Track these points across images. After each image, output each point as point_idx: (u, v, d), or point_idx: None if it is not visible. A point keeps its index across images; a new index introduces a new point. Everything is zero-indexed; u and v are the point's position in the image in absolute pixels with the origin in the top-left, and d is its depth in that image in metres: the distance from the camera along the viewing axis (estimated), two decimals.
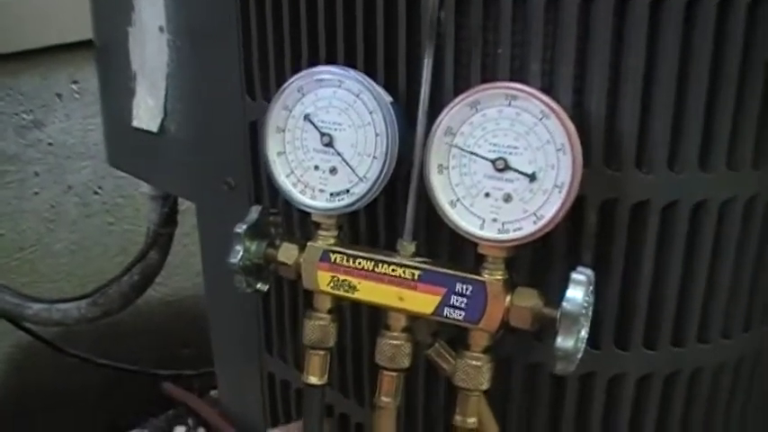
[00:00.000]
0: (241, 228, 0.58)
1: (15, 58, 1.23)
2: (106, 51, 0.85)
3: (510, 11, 0.49)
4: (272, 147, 0.56)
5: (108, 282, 1.03)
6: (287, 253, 0.57)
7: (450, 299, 0.51)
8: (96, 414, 1.44)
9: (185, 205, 0.94)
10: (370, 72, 0.54)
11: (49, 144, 1.31)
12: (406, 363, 0.54)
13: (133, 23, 0.77)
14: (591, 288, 0.48)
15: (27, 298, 1.09)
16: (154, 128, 0.77)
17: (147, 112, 0.78)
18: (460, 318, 0.51)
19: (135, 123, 0.80)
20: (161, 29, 0.74)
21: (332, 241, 0.56)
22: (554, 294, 0.49)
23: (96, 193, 1.36)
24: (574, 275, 0.48)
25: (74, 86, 1.30)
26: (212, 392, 1.17)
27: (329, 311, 0.57)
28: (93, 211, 1.37)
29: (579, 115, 0.48)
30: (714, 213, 0.50)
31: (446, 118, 0.50)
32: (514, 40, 0.49)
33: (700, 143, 0.49)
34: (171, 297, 1.44)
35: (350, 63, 0.56)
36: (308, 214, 0.56)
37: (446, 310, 0.51)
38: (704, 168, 0.49)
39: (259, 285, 0.60)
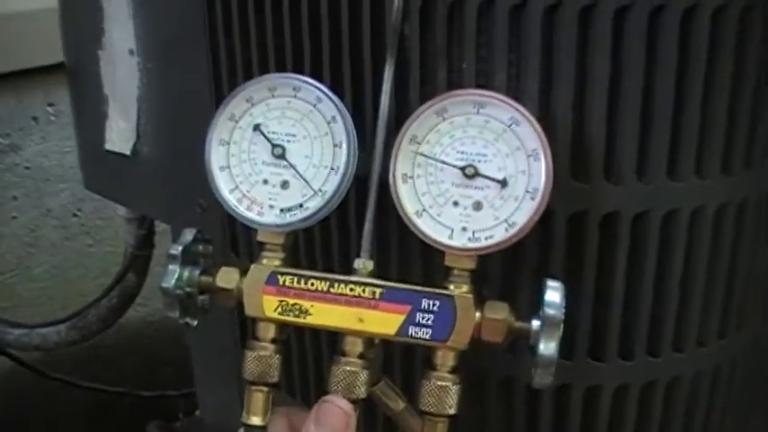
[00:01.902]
0: (176, 249, 0.52)
1: None
2: (78, 75, 0.85)
3: (474, 24, 0.48)
4: (215, 160, 0.53)
5: (87, 305, 1.02)
6: (226, 277, 0.52)
7: (415, 317, 0.49)
8: None
9: (162, 227, 0.94)
10: (336, 87, 0.53)
11: (26, 168, 1.30)
12: (363, 392, 0.50)
13: (103, 47, 0.77)
14: (564, 297, 0.47)
15: (7, 323, 1.08)
16: (127, 150, 0.77)
17: (119, 135, 0.77)
18: (427, 336, 0.48)
19: (108, 146, 0.79)
20: (131, 52, 0.73)
21: (278, 262, 0.52)
22: (523, 312, 0.49)
23: (75, 215, 1.36)
24: (548, 282, 0.47)
25: (50, 109, 1.30)
26: (197, 412, 1.16)
27: (273, 341, 0.52)
28: (73, 233, 1.37)
29: (545, 128, 0.48)
30: (685, 222, 0.50)
31: (412, 126, 0.49)
32: (479, 54, 0.49)
33: (668, 152, 0.49)
34: (152, 317, 1.43)
35: (317, 78, 0.55)
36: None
37: (411, 330, 0.49)
38: (673, 177, 0.49)
39: (188, 319, 0.54)
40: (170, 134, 0.73)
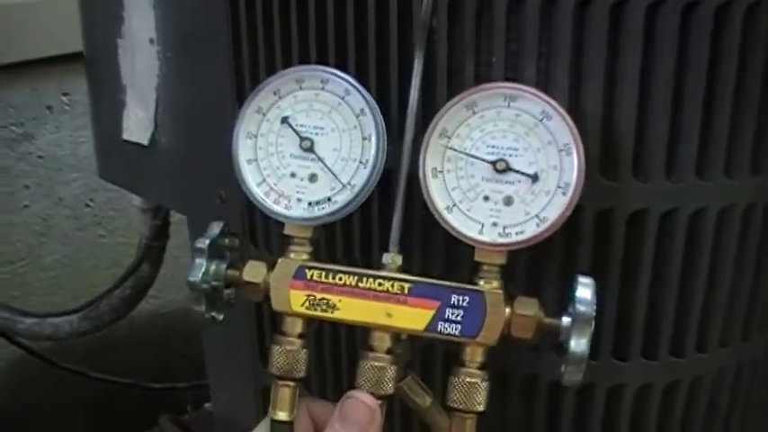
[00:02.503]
0: (203, 243, 0.52)
1: (4, 70, 1.22)
2: (96, 64, 0.85)
3: (504, 18, 0.48)
4: (242, 154, 0.52)
5: (99, 295, 1.02)
6: (253, 271, 0.52)
7: (444, 312, 0.48)
8: (90, 427, 1.43)
9: (177, 217, 0.94)
10: (362, 79, 0.53)
11: (40, 157, 1.30)
12: (390, 388, 0.49)
13: (123, 36, 0.77)
14: (595, 293, 0.47)
15: (18, 312, 1.08)
16: (144, 140, 0.76)
17: (137, 124, 0.77)
18: (456, 332, 0.48)
19: (125, 136, 0.79)
20: (151, 41, 0.73)
21: (306, 256, 0.51)
22: (548, 308, 0.48)
23: (88, 205, 1.36)
24: (580, 278, 0.47)
25: (64, 98, 1.29)
26: (206, 405, 1.16)
27: (300, 336, 0.51)
28: (85, 224, 1.36)
29: (574, 124, 0.47)
30: (712, 221, 0.50)
31: (442, 119, 0.48)
32: (508, 48, 0.49)
33: (697, 151, 0.48)
34: (164, 309, 1.43)
35: (342, 71, 0.54)
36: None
37: (440, 325, 0.48)
38: (702, 176, 0.49)
39: (214, 313, 0.53)
40: (189, 124, 0.72)
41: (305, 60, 0.57)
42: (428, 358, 0.56)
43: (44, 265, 1.35)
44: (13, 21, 1.20)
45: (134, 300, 1.03)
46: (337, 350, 0.62)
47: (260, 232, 0.65)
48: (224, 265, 0.53)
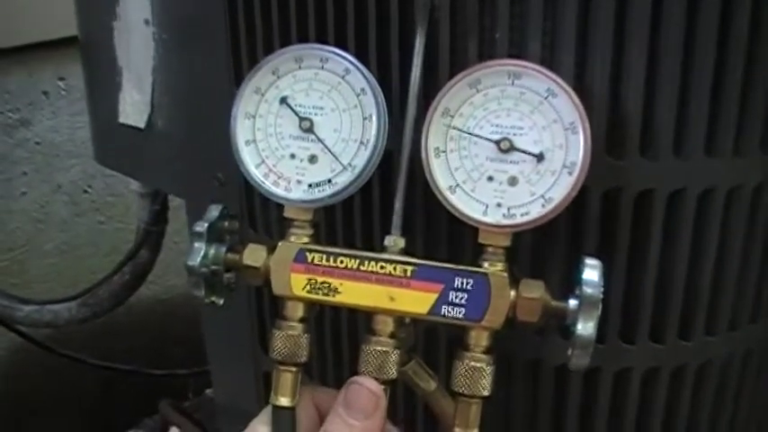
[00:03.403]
0: (202, 226, 0.51)
1: (0, 55, 1.21)
2: (91, 47, 0.84)
3: None
4: (240, 135, 0.51)
5: (98, 282, 1.01)
6: (253, 255, 0.51)
7: (448, 295, 0.47)
8: (90, 414, 1.43)
9: (176, 202, 0.93)
10: (362, 58, 0.51)
11: (37, 143, 1.29)
12: (393, 373, 0.49)
13: (118, 17, 0.75)
14: (603, 275, 0.46)
15: (17, 299, 1.07)
16: (141, 123, 0.75)
17: (133, 107, 0.76)
18: (460, 316, 0.47)
19: (122, 119, 0.78)
20: (146, 22, 0.72)
21: (307, 239, 0.50)
22: (553, 291, 0.47)
23: (86, 191, 1.35)
24: (586, 260, 0.46)
25: (60, 84, 1.28)
26: (207, 391, 1.16)
27: (301, 320, 0.50)
28: (83, 210, 1.36)
29: (580, 101, 0.46)
30: (721, 201, 0.49)
31: (444, 98, 0.47)
32: (512, 24, 0.47)
33: (706, 128, 0.47)
34: (164, 295, 1.43)
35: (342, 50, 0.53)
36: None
37: (444, 309, 0.47)
38: (711, 154, 0.48)
39: (214, 298, 0.53)
40: (186, 107, 0.71)
41: (303, 39, 0.55)
42: (431, 342, 0.55)
43: (43, 252, 1.34)
44: (8, 6, 1.19)
45: (133, 286, 1.02)
46: (338, 335, 0.61)
47: (259, 215, 0.65)
48: (223, 249, 0.52)
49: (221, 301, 0.53)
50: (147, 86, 0.73)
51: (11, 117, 1.26)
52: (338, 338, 0.61)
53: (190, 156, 0.72)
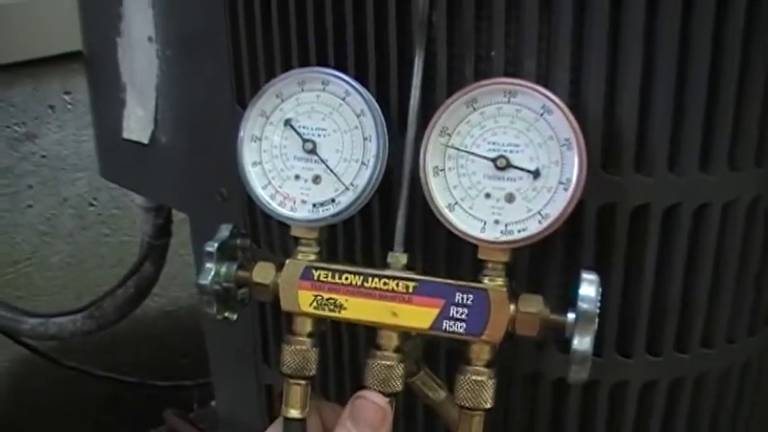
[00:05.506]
0: (212, 246, 0.53)
1: (6, 69, 1.22)
2: (95, 63, 0.84)
3: (503, 12, 0.47)
4: (247, 157, 0.53)
5: (103, 295, 1.02)
6: (262, 272, 0.52)
7: (449, 311, 0.48)
8: (95, 426, 1.43)
9: (180, 215, 0.93)
10: (361, 78, 0.52)
11: (43, 156, 1.30)
12: (399, 386, 0.50)
13: (122, 34, 0.76)
14: (599, 290, 0.46)
15: (22, 312, 1.08)
16: (144, 139, 0.76)
17: (137, 123, 0.77)
18: (461, 330, 0.48)
19: (125, 135, 0.78)
20: (150, 39, 0.73)
21: (313, 257, 0.52)
22: (550, 306, 0.48)
23: (92, 204, 1.36)
24: (584, 275, 0.46)
25: (66, 97, 1.29)
26: (212, 402, 1.16)
27: (310, 335, 0.52)
28: (89, 222, 1.36)
29: (575, 118, 0.47)
30: (717, 215, 0.49)
31: (441, 117, 0.48)
32: (508, 42, 0.48)
33: (701, 144, 0.48)
34: (169, 307, 1.43)
35: (341, 70, 0.54)
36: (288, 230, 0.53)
37: (445, 324, 0.48)
38: (705, 170, 0.48)
39: (227, 314, 0.54)
40: (190, 123, 0.72)
41: (304, 58, 0.56)
42: (432, 356, 0.56)
43: (48, 265, 1.35)
44: (14, 20, 1.20)
45: (137, 299, 1.02)
46: (339, 347, 0.61)
47: (261, 230, 0.65)
48: (234, 267, 0.53)
49: (235, 317, 0.54)
50: (151, 103, 0.74)
51: (17, 131, 1.27)
52: (339, 349, 0.61)
53: (193, 171, 0.73)
